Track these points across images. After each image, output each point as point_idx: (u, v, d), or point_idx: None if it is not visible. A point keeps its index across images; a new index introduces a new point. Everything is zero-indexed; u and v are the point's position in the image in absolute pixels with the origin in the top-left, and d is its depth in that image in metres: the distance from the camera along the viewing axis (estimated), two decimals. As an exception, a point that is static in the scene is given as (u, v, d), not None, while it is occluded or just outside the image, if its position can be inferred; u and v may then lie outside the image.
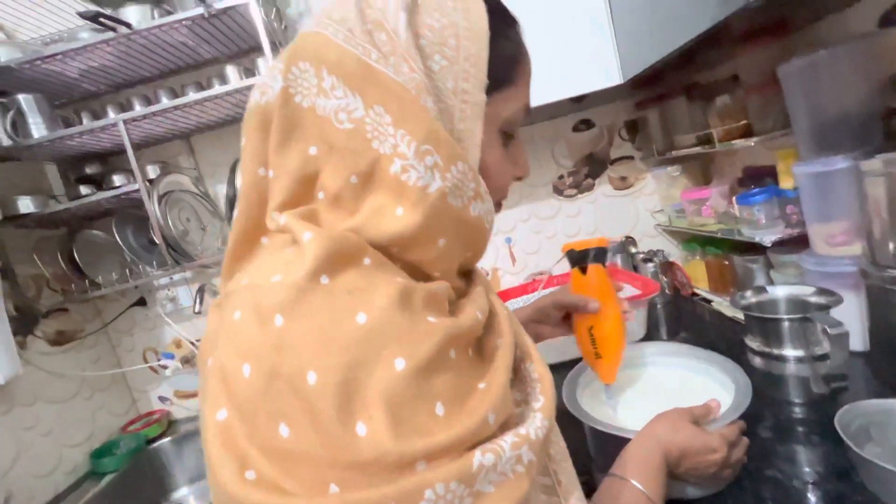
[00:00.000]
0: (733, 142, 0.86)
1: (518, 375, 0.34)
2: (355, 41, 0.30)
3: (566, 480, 0.32)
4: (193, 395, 1.31)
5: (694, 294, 1.15)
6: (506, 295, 1.17)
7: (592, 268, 0.57)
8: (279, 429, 0.24)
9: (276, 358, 0.25)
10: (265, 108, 0.32)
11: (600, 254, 0.57)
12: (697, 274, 1.16)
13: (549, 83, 0.94)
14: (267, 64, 0.96)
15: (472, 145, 0.32)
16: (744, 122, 0.86)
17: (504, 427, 0.28)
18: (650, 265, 1.18)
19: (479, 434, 0.26)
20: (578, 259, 0.57)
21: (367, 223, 0.30)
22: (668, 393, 0.63)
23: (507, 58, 0.35)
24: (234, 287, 0.30)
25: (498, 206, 0.38)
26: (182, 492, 1.20)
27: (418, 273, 0.32)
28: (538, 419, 0.29)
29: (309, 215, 0.31)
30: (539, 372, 0.34)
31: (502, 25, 0.35)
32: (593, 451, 0.61)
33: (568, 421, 0.65)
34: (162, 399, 1.31)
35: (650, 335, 0.98)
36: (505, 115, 0.35)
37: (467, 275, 0.38)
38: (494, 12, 0.33)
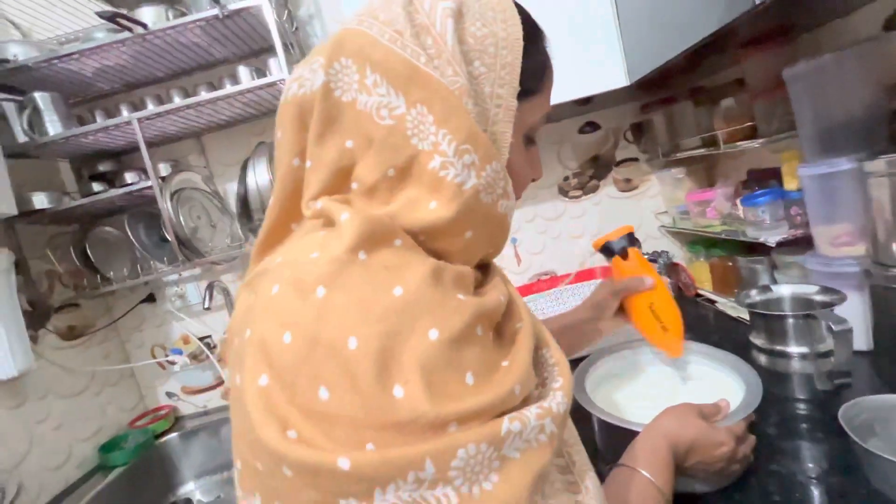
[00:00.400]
0: (738, 143, 0.87)
1: (536, 361, 0.36)
2: (403, 43, 0.32)
3: (580, 460, 0.33)
4: (200, 390, 1.32)
5: (698, 295, 1.16)
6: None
7: (632, 251, 0.60)
8: (319, 392, 0.25)
9: (317, 325, 0.26)
10: (302, 99, 0.34)
11: (633, 238, 0.60)
12: (702, 275, 1.17)
13: (555, 85, 0.95)
14: (279, 65, 0.98)
15: (503, 147, 0.34)
16: (749, 124, 0.87)
17: (525, 402, 0.29)
18: (655, 266, 1.19)
19: (507, 403, 0.27)
20: (617, 248, 0.60)
21: (400, 211, 0.32)
22: (679, 390, 0.63)
23: (536, 68, 0.37)
24: (267, 266, 0.31)
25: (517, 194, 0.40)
26: (189, 487, 1.21)
27: (444, 257, 0.33)
28: (559, 396, 0.31)
29: (344, 202, 0.33)
30: (556, 357, 0.36)
31: (534, 37, 0.37)
32: (601, 444, 0.62)
33: (576, 415, 0.66)
34: (169, 395, 1.32)
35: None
36: (530, 121, 0.38)
37: (484, 268, 0.40)
38: (526, 24, 0.35)
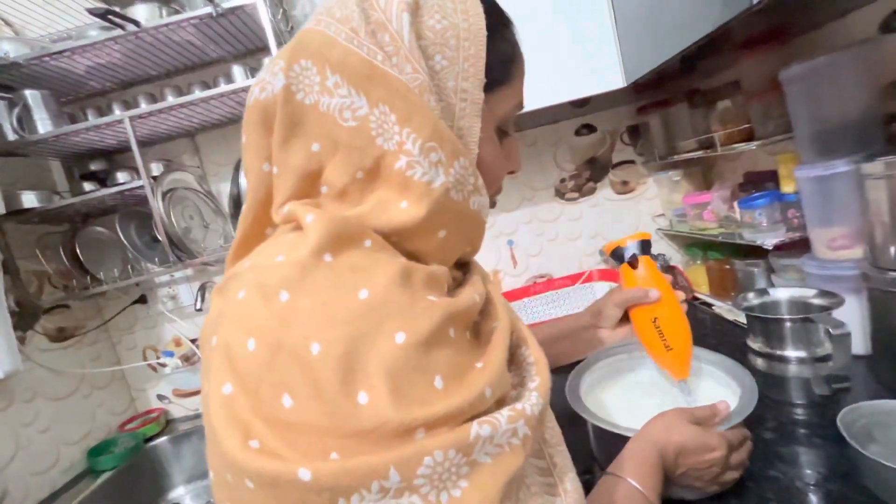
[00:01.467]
0: (735, 145, 0.87)
1: (514, 360, 0.35)
2: (359, 41, 0.31)
3: (561, 462, 0.32)
4: (192, 393, 1.30)
5: (695, 298, 1.15)
6: (507, 297, 1.17)
7: (643, 259, 0.56)
8: (282, 399, 0.24)
9: (281, 331, 0.25)
10: (264, 103, 0.33)
11: (646, 246, 0.56)
12: (699, 278, 1.16)
13: (552, 86, 0.95)
14: (273, 64, 0.97)
15: (472, 142, 0.34)
16: (745, 126, 0.87)
17: (500, 403, 0.29)
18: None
19: (477, 407, 0.26)
20: (626, 255, 0.56)
21: (370, 213, 0.31)
22: (675, 394, 0.62)
23: (503, 58, 0.36)
24: (237, 270, 0.31)
25: (493, 203, 0.39)
26: (179, 491, 1.19)
27: (416, 262, 0.32)
28: (534, 397, 0.30)
29: (314, 206, 0.32)
30: (535, 356, 0.35)
31: (499, 26, 0.36)
32: (596, 450, 0.61)
33: (570, 421, 0.65)
34: (160, 398, 1.31)
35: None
36: (500, 112, 0.37)
37: (464, 266, 0.39)
38: (491, 13, 0.34)
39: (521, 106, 0.40)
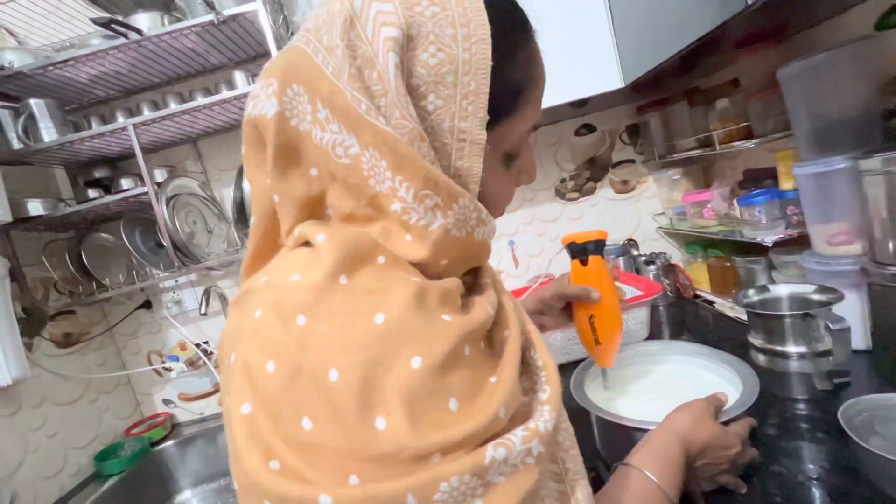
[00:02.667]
0: (734, 143, 0.88)
1: (524, 364, 0.35)
2: (344, 83, 0.29)
3: (574, 467, 0.33)
4: (197, 397, 1.31)
5: (696, 296, 1.15)
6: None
7: (593, 259, 0.59)
8: (302, 422, 0.25)
9: (299, 356, 0.26)
10: (256, 121, 0.32)
11: (599, 246, 0.60)
12: (700, 276, 1.16)
13: (550, 87, 0.95)
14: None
15: (472, 181, 0.32)
16: (744, 124, 0.87)
17: (514, 419, 0.29)
18: (652, 268, 1.18)
19: (491, 429, 0.27)
20: (578, 251, 0.60)
21: (380, 237, 0.30)
22: (674, 388, 0.63)
23: (512, 87, 0.33)
24: (253, 285, 0.31)
25: (500, 213, 0.39)
26: (185, 495, 1.19)
27: (427, 272, 0.32)
28: (546, 412, 0.30)
29: (322, 225, 0.32)
30: (544, 360, 0.35)
31: (511, 48, 0.32)
32: (600, 444, 0.61)
33: (574, 415, 0.66)
34: (166, 402, 1.31)
35: (653, 337, 0.99)
36: (507, 144, 0.35)
37: (475, 270, 0.39)
38: (502, 32, 0.31)
39: (537, 125, 0.37)
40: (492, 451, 0.26)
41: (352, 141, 0.29)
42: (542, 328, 0.65)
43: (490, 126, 0.32)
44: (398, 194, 0.29)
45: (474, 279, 0.37)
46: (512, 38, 0.33)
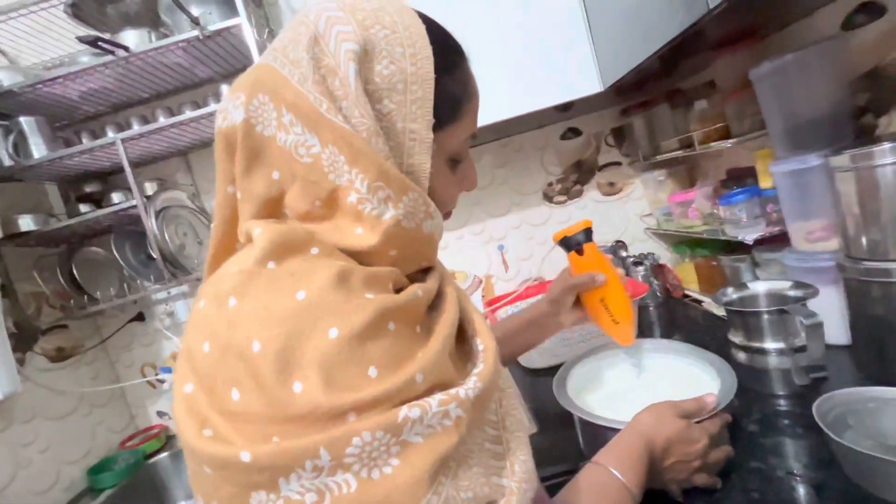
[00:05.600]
0: (712, 143, 0.89)
1: (467, 350, 0.37)
2: (308, 88, 0.33)
3: (516, 447, 0.34)
4: (191, 409, 1.31)
5: (685, 295, 1.16)
6: (500, 301, 1.18)
7: (587, 247, 0.62)
8: (231, 393, 0.27)
9: (228, 333, 0.28)
10: (226, 132, 0.35)
11: (588, 233, 0.63)
12: (688, 275, 1.17)
13: (532, 92, 0.97)
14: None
15: (422, 176, 0.36)
16: (722, 124, 0.89)
17: (442, 388, 0.30)
18: (641, 268, 1.19)
19: (407, 391, 0.28)
20: (573, 244, 0.62)
21: (330, 233, 0.34)
22: (658, 388, 0.64)
23: (452, 99, 0.38)
24: (204, 284, 0.34)
25: (447, 215, 0.42)
26: (180, 507, 1.19)
27: (377, 265, 0.34)
28: (471, 381, 0.32)
29: (266, 221, 0.34)
30: (485, 344, 0.37)
31: (449, 66, 0.37)
32: (583, 444, 0.62)
33: (559, 420, 0.66)
34: (160, 414, 1.31)
35: (643, 337, 0.99)
36: (450, 147, 0.39)
37: (427, 269, 0.41)
38: (441, 54, 0.36)
39: (474, 136, 0.42)
40: (406, 411, 0.27)
41: (314, 140, 0.33)
42: (562, 326, 0.68)
43: (435, 129, 0.36)
44: (354, 185, 0.32)
45: (424, 276, 0.39)
46: (450, 58, 0.38)
